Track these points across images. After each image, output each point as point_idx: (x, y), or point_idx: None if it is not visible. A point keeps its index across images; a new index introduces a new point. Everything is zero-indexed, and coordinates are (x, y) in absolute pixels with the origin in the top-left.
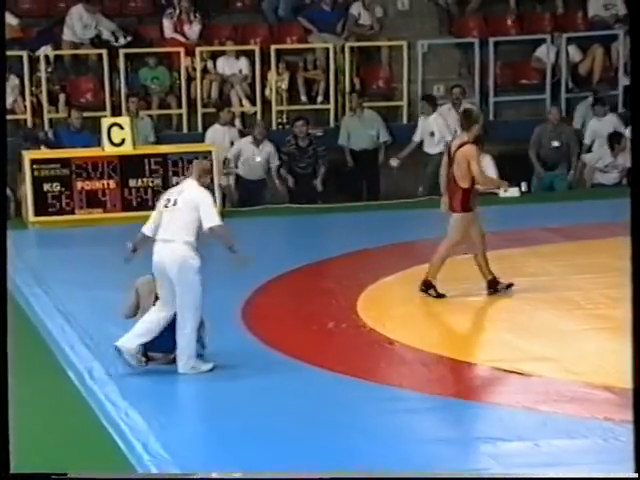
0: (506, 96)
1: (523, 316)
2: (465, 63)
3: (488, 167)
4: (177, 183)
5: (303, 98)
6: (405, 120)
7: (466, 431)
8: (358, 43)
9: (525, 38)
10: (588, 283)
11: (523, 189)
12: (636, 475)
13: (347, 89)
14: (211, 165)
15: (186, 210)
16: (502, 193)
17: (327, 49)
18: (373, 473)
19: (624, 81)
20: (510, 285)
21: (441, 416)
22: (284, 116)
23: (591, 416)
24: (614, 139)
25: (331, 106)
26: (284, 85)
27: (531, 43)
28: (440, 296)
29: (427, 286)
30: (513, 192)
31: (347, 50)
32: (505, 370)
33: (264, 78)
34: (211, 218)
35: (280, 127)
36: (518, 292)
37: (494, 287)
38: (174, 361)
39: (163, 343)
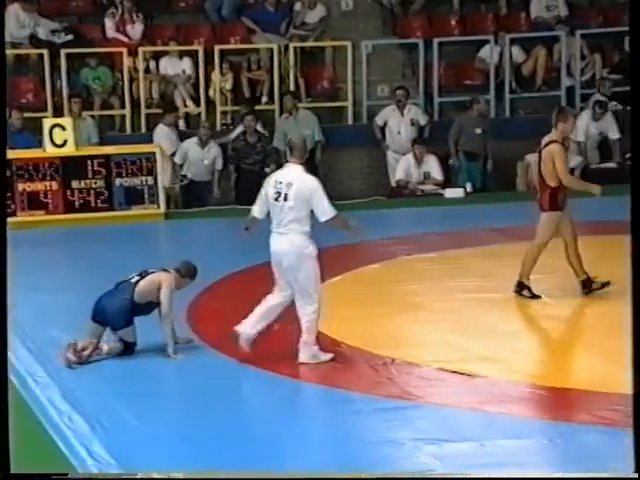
0: (450, 97)
1: (469, 317)
2: (409, 64)
3: (433, 167)
4: (121, 184)
5: (247, 98)
6: (350, 121)
7: (412, 432)
8: (302, 43)
9: (469, 39)
10: (533, 283)
11: (468, 189)
12: (636, 475)
13: (290, 89)
14: (304, 143)
15: (298, 206)
16: (447, 194)
17: (271, 49)
18: (372, 473)
19: (566, 82)
20: (606, 284)
21: (387, 417)
22: (228, 117)
23: (536, 416)
24: None
25: (276, 106)
26: (228, 85)
27: (475, 44)
28: (535, 297)
29: (521, 287)
30: (458, 192)
31: (291, 50)
32: (450, 371)
33: (208, 78)
34: (325, 211)
35: (224, 127)
36: (463, 292)
37: (589, 287)
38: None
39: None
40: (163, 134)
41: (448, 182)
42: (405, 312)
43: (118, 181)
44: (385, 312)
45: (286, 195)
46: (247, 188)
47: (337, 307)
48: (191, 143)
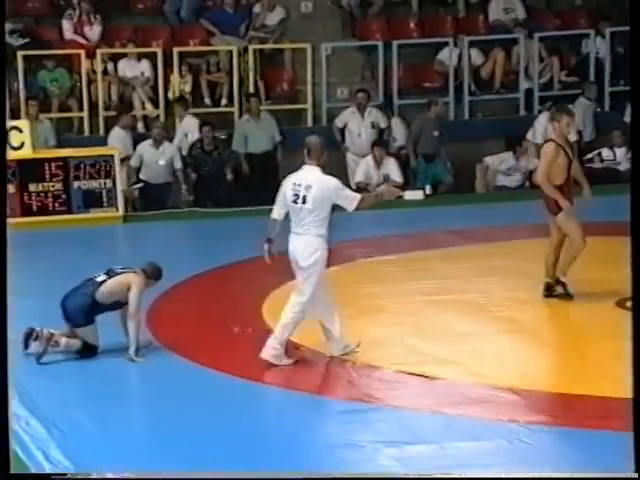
0: (409, 99)
1: (427, 319)
2: (368, 66)
3: (393, 169)
4: (79, 187)
5: (207, 101)
6: (310, 123)
7: (372, 435)
8: (261, 45)
9: (428, 41)
10: (491, 285)
11: (427, 192)
12: (636, 475)
13: (251, 91)
14: (321, 144)
15: (317, 209)
16: (406, 196)
17: (230, 51)
18: (369, 474)
19: (524, 84)
20: (569, 296)
21: (347, 420)
22: None
23: (495, 418)
24: (516, 142)
25: (235, 109)
26: (187, 88)
27: (434, 46)
28: (568, 295)
29: (551, 286)
30: (417, 195)
31: (250, 53)
32: (410, 373)
33: (167, 81)
34: (350, 201)
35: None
36: (423, 295)
37: (550, 291)
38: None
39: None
40: (118, 137)
41: (407, 184)
42: (365, 315)
43: (76, 184)
44: (345, 315)
45: (305, 197)
46: (206, 191)
47: None
48: (145, 145)
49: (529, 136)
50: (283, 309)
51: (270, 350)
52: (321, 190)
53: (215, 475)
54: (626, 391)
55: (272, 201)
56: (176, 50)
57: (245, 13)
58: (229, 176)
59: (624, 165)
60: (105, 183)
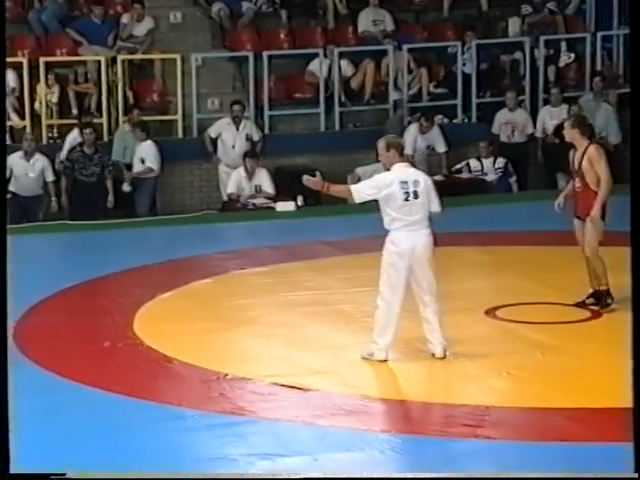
0: (280, 110)
1: (301, 330)
2: (239, 77)
3: (264, 181)
4: None
5: (75, 112)
6: (180, 134)
7: (245, 448)
8: (130, 56)
9: (298, 52)
10: (365, 296)
11: (299, 203)
12: (636, 475)
13: (120, 103)
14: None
15: (425, 200)
16: (279, 207)
17: (99, 62)
18: (370, 474)
19: (394, 95)
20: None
21: (220, 434)
22: (55, 130)
23: (368, 428)
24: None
25: (104, 120)
26: (54, 98)
27: (304, 57)
28: (606, 305)
29: (597, 296)
30: (289, 206)
31: (119, 63)
32: (283, 385)
33: (33, 91)
34: (437, 203)
35: (51, 141)
36: (296, 306)
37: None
38: None
39: None
40: None
41: (279, 196)
42: (238, 327)
43: None
44: (218, 327)
45: (416, 192)
46: (84, 201)
47: (169, 323)
48: (15, 157)
49: (380, 146)
50: (156, 322)
51: (441, 347)
52: (425, 185)
53: (215, 475)
54: (497, 398)
55: (149, 213)
56: (42, 60)
57: (113, 23)
58: (109, 183)
59: (491, 176)
60: None
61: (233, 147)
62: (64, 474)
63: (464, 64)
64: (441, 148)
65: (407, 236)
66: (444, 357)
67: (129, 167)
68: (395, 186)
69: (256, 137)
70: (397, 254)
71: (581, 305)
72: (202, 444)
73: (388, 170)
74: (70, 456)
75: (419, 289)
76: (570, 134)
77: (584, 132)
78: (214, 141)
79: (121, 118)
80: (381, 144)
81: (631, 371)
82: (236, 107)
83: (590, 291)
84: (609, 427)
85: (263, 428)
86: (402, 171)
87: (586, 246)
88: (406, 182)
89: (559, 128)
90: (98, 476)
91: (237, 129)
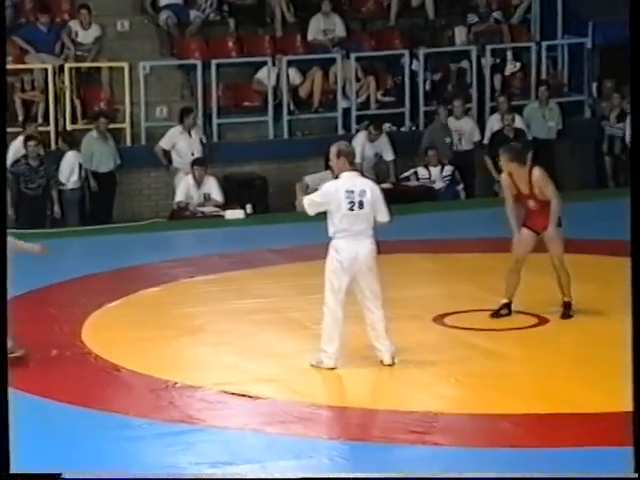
0: (229, 118)
1: (249, 338)
2: (187, 85)
3: (213, 189)
4: None
5: (21, 118)
6: (129, 142)
7: (194, 456)
8: (77, 64)
9: (246, 60)
10: (312, 303)
11: (248, 211)
12: (636, 475)
13: (68, 111)
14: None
15: (370, 211)
16: (227, 215)
17: (45, 70)
18: (368, 473)
19: (342, 104)
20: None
21: (168, 442)
22: None
23: (316, 436)
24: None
25: (51, 128)
26: None
27: (252, 65)
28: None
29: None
30: (238, 214)
31: (66, 71)
32: (232, 393)
33: None
34: (384, 213)
35: None
36: (244, 314)
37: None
38: None
39: None
40: None
41: (228, 204)
42: (186, 335)
43: None
44: (166, 335)
45: (361, 202)
46: (30, 212)
47: (117, 331)
48: None
49: (331, 153)
50: (104, 330)
51: (389, 353)
52: (372, 194)
53: (215, 476)
54: (445, 404)
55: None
56: None
57: (60, 30)
58: (54, 194)
59: (438, 184)
60: None
61: (192, 154)
62: (59, 474)
63: (412, 72)
64: (389, 156)
65: (349, 245)
66: (392, 364)
67: (95, 174)
68: (341, 195)
69: (205, 140)
70: (339, 262)
71: (495, 316)
72: (150, 452)
73: (337, 177)
74: (15, 463)
75: (363, 296)
76: (509, 167)
77: (521, 161)
78: (167, 153)
79: (68, 126)
80: (333, 150)
81: (631, 374)
82: (188, 115)
83: (504, 301)
84: (556, 432)
85: (212, 436)
86: (350, 180)
87: (555, 258)
88: (352, 192)
89: (494, 136)
90: (98, 476)
91: (190, 136)
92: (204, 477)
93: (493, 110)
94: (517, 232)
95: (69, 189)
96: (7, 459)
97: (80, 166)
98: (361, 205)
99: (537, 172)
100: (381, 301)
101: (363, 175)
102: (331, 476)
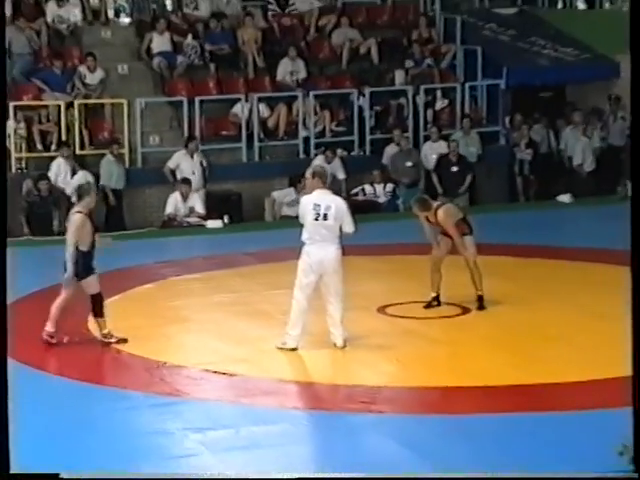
0: (209, 145)
1: (226, 326)
2: (176, 118)
3: (197, 203)
4: None
5: (39, 146)
6: (127, 165)
7: (181, 423)
8: (85, 100)
9: (224, 97)
10: (281, 297)
11: (226, 221)
12: (636, 475)
13: (77, 139)
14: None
15: (335, 223)
16: (208, 225)
17: (59, 105)
18: (370, 473)
19: (303, 133)
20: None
21: (160, 412)
22: (23, 162)
23: (282, 406)
24: (295, 180)
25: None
26: (23, 133)
27: (229, 101)
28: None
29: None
30: (217, 224)
31: (76, 106)
32: (212, 371)
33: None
34: (349, 225)
35: (19, 171)
36: (222, 306)
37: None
38: None
39: None
40: None
41: (209, 215)
42: (174, 323)
43: None
44: (157, 324)
45: (325, 215)
46: (40, 223)
47: (117, 321)
48: None
49: (307, 174)
50: (107, 320)
51: (341, 338)
52: (337, 209)
53: (214, 475)
54: (387, 379)
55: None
56: (12, 104)
57: (71, 73)
58: (56, 213)
59: (382, 198)
60: None
61: (193, 174)
62: (57, 474)
63: (360, 107)
64: (341, 175)
65: (317, 250)
66: (344, 347)
67: (115, 191)
68: (309, 207)
69: (204, 162)
70: (308, 264)
71: (427, 307)
72: (145, 420)
73: (310, 194)
74: (31, 431)
75: (326, 292)
76: (421, 214)
77: (427, 208)
78: (172, 171)
79: (77, 151)
80: (308, 172)
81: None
82: (192, 141)
83: (433, 295)
84: (475, 400)
85: (195, 407)
86: (319, 196)
87: (469, 259)
88: (319, 205)
89: (441, 159)
90: (98, 476)
91: (192, 158)
92: (204, 477)
93: (426, 138)
94: (434, 243)
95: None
96: (7, 459)
97: (95, 183)
98: (325, 217)
99: (440, 214)
100: (341, 297)
101: (336, 194)
102: (331, 476)
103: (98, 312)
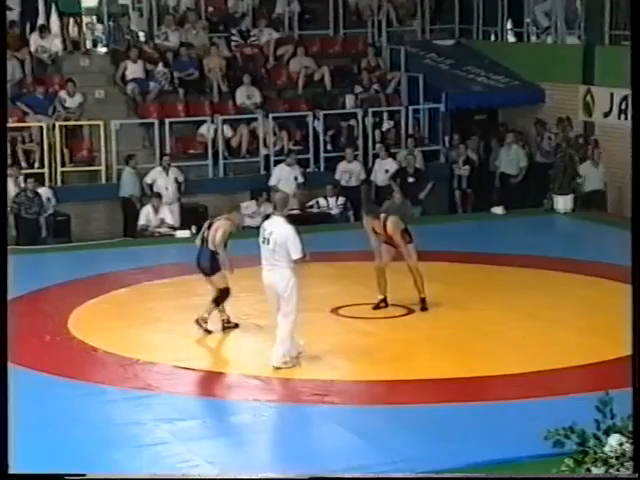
0: (178, 162)
1: (193, 326)
2: (147, 138)
3: (167, 215)
4: None
5: (23, 164)
6: (104, 181)
7: (152, 414)
8: (65, 122)
9: (191, 119)
10: (241, 300)
11: (193, 231)
12: (636, 475)
13: (58, 157)
14: (285, 199)
15: (278, 248)
16: (177, 235)
17: (41, 127)
18: (372, 473)
19: (263, 151)
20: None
21: (133, 404)
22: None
23: (243, 398)
24: (257, 193)
25: (45, 170)
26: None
27: (196, 123)
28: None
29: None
30: (185, 234)
31: (57, 128)
32: (181, 367)
33: None
34: (295, 251)
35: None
36: (190, 308)
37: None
38: None
39: None
40: None
41: (178, 226)
42: (147, 324)
43: None
44: (132, 324)
45: (268, 240)
46: (27, 232)
47: (95, 322)
48: None
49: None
50: (85, 321)
51: (280, 359)
52: (279, 235)
53: (213, 476)
54: (339, 374)
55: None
56: None
57: (52, 98)
58: (42, 219)
59: (334, 210)
60: None
61: (167, 189)
62: (62, 476)
63: (314, 128)
64: (301, 179)
65: (265, 273)
66: (278, 368)
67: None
68: (260, 230)
69: (180, 178)
70: (265, 285)
71: (376, 308)
72: (120, 412)
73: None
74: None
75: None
76: (372, 223)
77: (376, 217)
78: (150, 185)
79: (59, 169)
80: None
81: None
82: (166, 159)
83: (380, 297)
84: (418, 392)
85: (166, 400)
86: (269, 221)
87: (412, 265)
88: (265, 229)
89: (399, 172)
90: (97, 476)
91: (167, 175)
92: (204, 477)
93: (375, 156)
94: (376, 252)
95: None
96: (6, 459)
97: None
98: (267, 242)
99: (389, 225)
100: (291, 319)
101: (293, 221)
102: (331, 476)
103: (220, 303)
